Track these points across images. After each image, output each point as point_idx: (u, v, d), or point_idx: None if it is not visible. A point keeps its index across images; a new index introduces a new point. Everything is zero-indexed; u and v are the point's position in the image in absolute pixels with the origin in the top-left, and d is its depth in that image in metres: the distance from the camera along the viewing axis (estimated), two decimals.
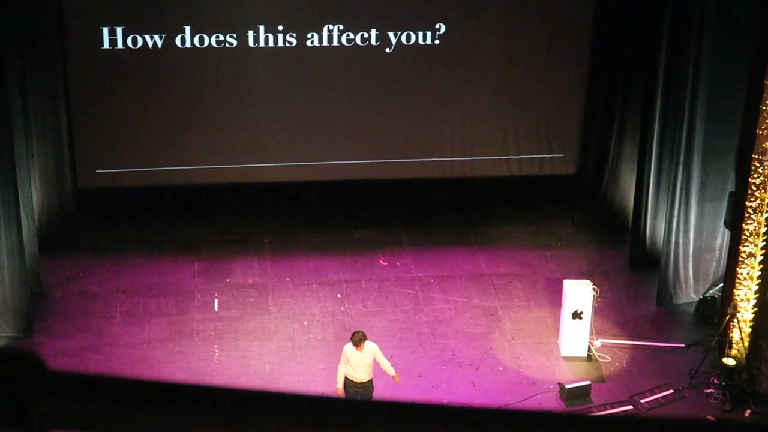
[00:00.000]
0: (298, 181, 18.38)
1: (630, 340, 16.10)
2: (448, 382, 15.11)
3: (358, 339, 13.50)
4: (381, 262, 17.86)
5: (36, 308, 16.06)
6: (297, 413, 1.96)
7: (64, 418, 1.86)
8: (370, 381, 13.73)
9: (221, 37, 17.30)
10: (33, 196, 16.56)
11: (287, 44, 17.47)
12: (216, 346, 15.76)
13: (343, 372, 13.72)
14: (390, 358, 14.41)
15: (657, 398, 14.91)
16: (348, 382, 13.70)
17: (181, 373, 15.00)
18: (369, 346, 13.66)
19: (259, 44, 17.39)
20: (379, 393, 13.78)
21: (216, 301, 16.84)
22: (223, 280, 17.34)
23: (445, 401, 14.28)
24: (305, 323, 16.34)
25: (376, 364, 13.79)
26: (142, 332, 15.95)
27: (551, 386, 15.00)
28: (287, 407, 1.98)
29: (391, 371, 13.73)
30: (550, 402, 14.69)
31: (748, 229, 14.62)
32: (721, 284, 16.05)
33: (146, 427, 1.94)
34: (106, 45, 17.00)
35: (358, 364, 13.59)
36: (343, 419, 1.93)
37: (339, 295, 17.03)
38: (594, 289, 15.50)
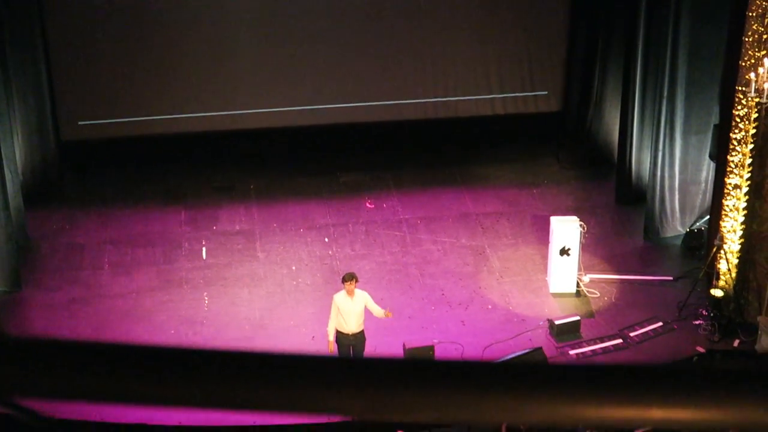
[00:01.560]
0: (282, 126, 18.21)
1: (618, 274, 16.05)
2: (437, 321, 15.01)
3: (349, 277, 13.24)
4: (368, 205, 17.78)
5: (23, 262, 15.98)
6: (284, 374, 1.84)
7: (27, 385, 1.80)
8: (362, 332, 13.46)
9: None
10: (16, 151, 16.39)
11: None
12: (205, 293, 15.68)
13: (333, 325, 13.41)
14: (379, 301, 14.23)
15: (646, 331, 14.86)
16: (340, 335, 13.39)
17: (171, 321, 15.02)
18: (360, 294, 13.41)
19: None
20: (370, 338, 13.66)
21: (204, 249, 16.73)
22: (210, 228, 17.22)
23: (435, 341, 14.16)
24: (294, 268, 16.23)
25: (366, 314, 13.52)
26: (131, 282, 15.90)
27: (541, 323, 14.93)
28: (271, 368, 1.85)
29: (382, 313, 13.45)
30: (540, 339, 14.60)
31: (732, 161, 14.48)
32: (708, 216, 16.02)
33: (113, 393, 1.78)
34: None
35: (350, 313, 13.27)
36: (336, 378, 1.84)
37: (327, 239, 16.94)
38: (581, 225, 15.42)
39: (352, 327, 13.31)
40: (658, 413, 1.77)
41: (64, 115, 17.46)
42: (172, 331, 14.74)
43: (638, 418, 1.79)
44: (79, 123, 17.58)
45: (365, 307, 13.38)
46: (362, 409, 1.79)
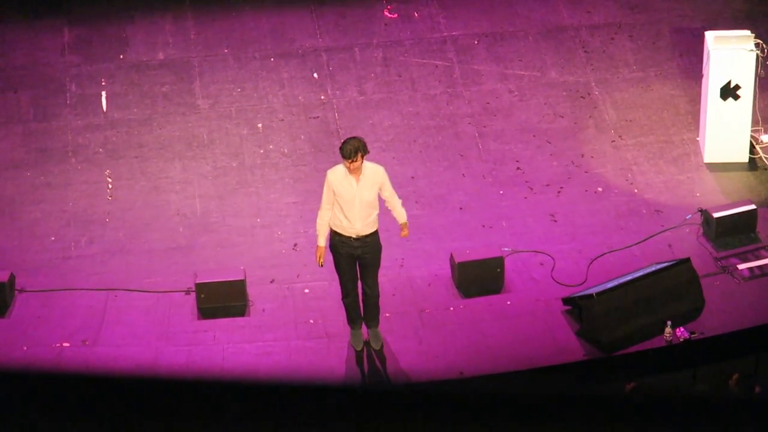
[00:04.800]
0: None
1: None
2: (509, 216, 14.20)
3: (351, 150, 11.93)
4: (386, 14, 17.25)
5: None
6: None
7: None
8: (374, 234, 12.25)
9: None
10: None
11: None
12: (108, 171, 15.13)
13: (326, 220, 12.30)
14: (408, 181, 14.11)
15: None
16: (337, 239, 12.26)
17: (51, 220, 14.34)
18: (372, 170, 12.15)
19: None
20: (393, 244, 12.81)
21: (104, 94, 16.23)
22: (114, 57, 16.70)
23: (506, 250, 13.35)
24: (260, 126, 15.73)
25: (380, 204, 12.40)
26: None
27: (688, 216, 14.23)
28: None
29: (402, 217, 12.42)
30: (688, 242, 13.87)
31: None
32: None
33: None
34: None
35: (353, 203, 12.16)
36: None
37: (316, 75, 16.53)
38: (758, 44, 14.82)
39: (356, 225, 12.30)
40: None
41: None
42: (53, 238, 14.14)
43: None
44: None
45: (378, 193, 12.33)
46: None
